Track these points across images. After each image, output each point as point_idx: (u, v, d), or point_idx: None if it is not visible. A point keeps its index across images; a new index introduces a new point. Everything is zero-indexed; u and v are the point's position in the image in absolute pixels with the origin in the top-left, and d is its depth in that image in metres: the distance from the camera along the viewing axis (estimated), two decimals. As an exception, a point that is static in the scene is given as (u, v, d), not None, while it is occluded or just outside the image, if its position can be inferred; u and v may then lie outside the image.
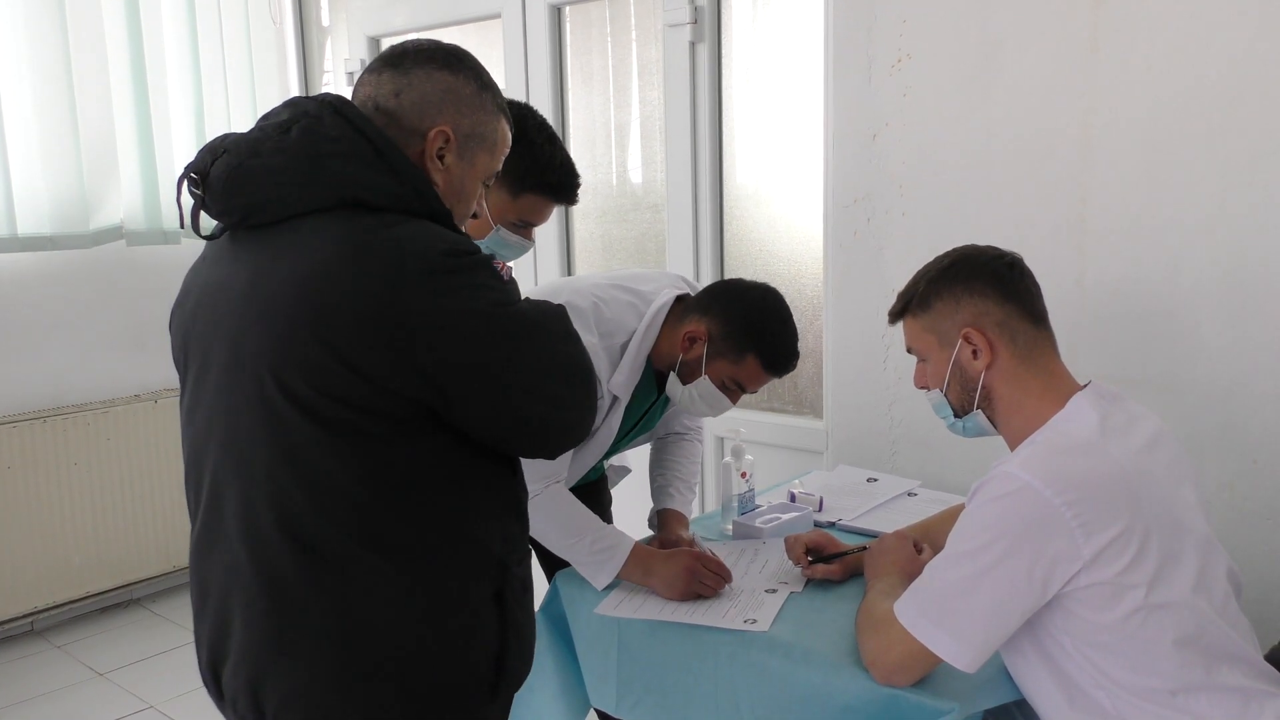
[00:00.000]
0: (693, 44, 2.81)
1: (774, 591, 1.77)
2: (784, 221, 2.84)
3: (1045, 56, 2.14)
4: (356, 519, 1.16)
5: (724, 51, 2.84)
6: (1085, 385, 1.45)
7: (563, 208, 3.24)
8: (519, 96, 3.30)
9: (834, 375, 2.60)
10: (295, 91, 4.24)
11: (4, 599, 3.45)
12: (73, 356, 3.67)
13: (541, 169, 1.73)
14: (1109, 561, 1.28)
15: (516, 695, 1.85)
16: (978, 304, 1.46)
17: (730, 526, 2.07)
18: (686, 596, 1.73)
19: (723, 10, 2.83)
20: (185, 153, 3.78)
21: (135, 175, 3.66)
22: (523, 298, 1.24)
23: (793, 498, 2.18)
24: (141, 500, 3.78)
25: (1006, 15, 2.17)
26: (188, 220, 1.22)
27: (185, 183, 1.19)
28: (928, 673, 1.41)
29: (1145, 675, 1.30)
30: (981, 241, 1.58)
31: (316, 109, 1.19)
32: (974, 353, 1.46)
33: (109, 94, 3.59)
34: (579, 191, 1.81)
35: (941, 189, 2.33)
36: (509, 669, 1.29)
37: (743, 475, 2.08)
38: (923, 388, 1.57)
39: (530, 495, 1.82)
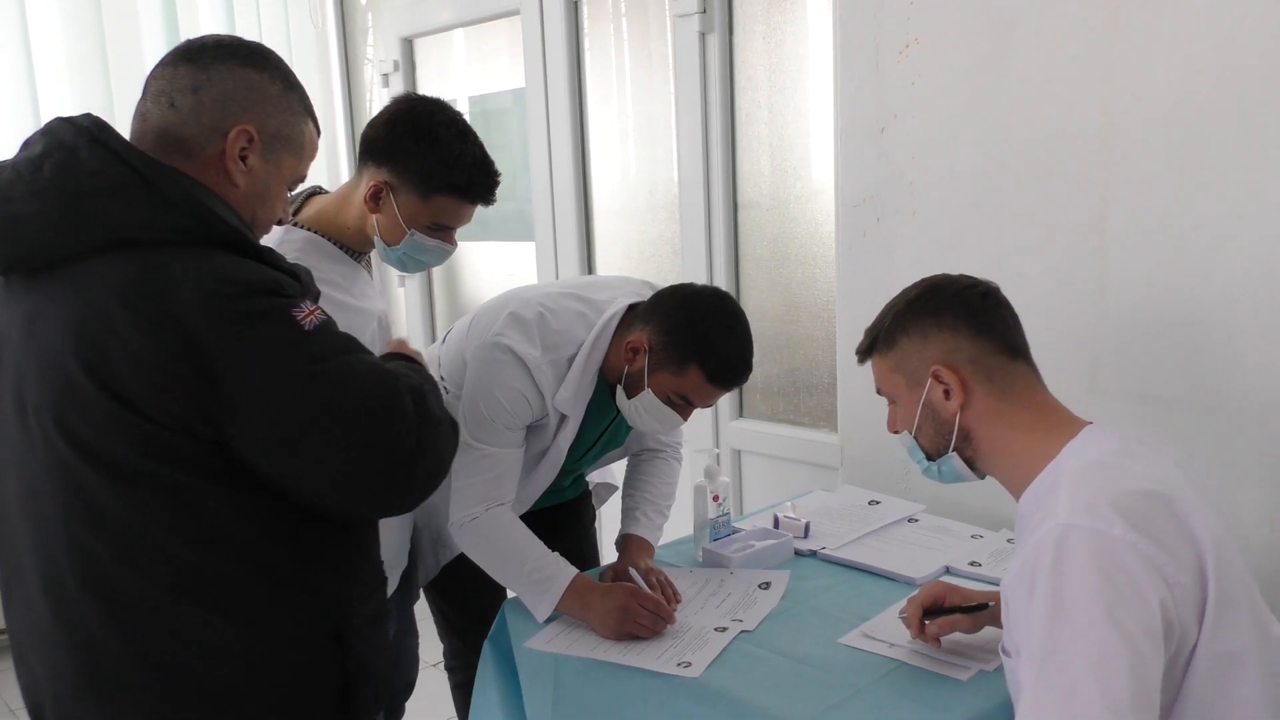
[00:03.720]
0: (702, 35, 2.65)
1: (724, 630, 1.61)
2: (799, 221, 2.66)
3: (1061, 37, 1.92)
4: (165, 570, 1.08)
5: (735, 42, 2.67)
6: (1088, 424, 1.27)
7: (582, 210, 3.20)
8: (538, 92, 3.19)
9: (845, 388, 2.42)
10: (339, 94, 4.22)
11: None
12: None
13: (449, 168, 1.61)
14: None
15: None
16: (947, 339, 1.31)
17: (701, 553, 1.92)
18: (621, 636, 1.59)
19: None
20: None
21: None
22: (340, 344, 1.13)
23: (776, 523, 2.01)
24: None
25: (1019, -7, 1.96)
26: None
27: None
28: None
29: None
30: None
31: (72, 138, 1.10)
32: (945, 392, 1.29)
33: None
34: (497, 191, 1.67)
35: (952, 187, 2.12)
36: (357, 706, 1.22)
37: (715, 499, 1.92)
38: (895, 432, 1.41)
39: (469, 519, 1.72)
